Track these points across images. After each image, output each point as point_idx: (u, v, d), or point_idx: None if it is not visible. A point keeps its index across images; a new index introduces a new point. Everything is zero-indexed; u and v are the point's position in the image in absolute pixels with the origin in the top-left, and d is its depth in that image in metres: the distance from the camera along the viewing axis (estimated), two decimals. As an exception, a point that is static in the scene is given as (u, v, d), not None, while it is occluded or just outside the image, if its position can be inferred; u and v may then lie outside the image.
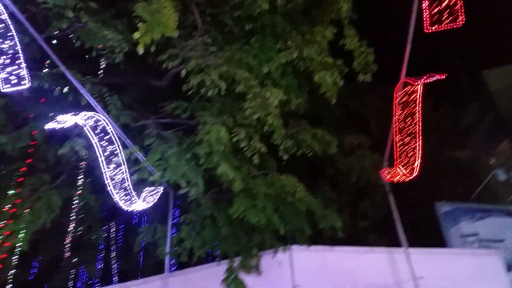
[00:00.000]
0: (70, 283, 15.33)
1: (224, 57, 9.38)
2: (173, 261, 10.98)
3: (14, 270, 11.47)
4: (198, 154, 9.31)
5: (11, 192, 10.44)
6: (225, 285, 9.72)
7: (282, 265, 10.07)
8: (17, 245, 10.62)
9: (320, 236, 10.98)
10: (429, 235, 14.01)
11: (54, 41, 9.39)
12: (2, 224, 10.64)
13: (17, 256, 11.11)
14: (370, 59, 9.71)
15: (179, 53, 8.84)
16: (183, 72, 8.82)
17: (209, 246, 10.48)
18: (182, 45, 9.18)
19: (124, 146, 9.18)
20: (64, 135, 9.41)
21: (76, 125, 8.28)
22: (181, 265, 10.91)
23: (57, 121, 7.86)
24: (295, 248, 10.25)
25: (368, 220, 15.34)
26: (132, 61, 9.50)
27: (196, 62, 8.69)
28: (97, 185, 10.97)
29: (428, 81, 8.35)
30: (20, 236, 10.42)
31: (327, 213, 10.43)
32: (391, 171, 9.80)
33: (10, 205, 10.44)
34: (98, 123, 8.46)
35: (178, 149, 9.73)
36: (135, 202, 9.71)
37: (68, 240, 11.48)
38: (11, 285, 11.21)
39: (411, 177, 9.14)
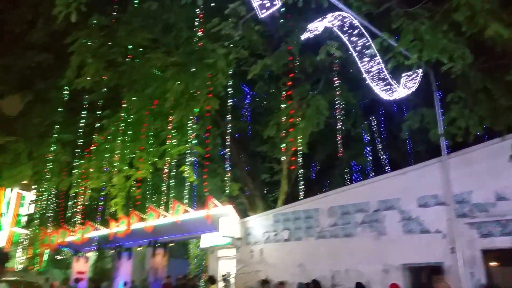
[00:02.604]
0: (347, 176, 17.15)
1: None
2: (446, 143, 10.50)
3: (301, 170, 13.57)
4: (458, 21, 8.12)
5: (284, 105, 12.05)
6: (514, 161, 8.66)
7: None
8: (299, 148, 12.42)
9: None
10: None
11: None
12: (283, 133, 12.60)
13: (300, 158, 13.03)
14: None
15: None
16: None
17: (487, 122, 9.44)
18: None
19: (373, 36, 8.94)
20: (315, 43, 9.92)
21: (325, 29, 8.57)
22: (456, 146, 10.34)
23: (309, 30, 8.32)
24: None
25: None
26: None
27: None
28: (353, 82, 11.34)
29: None
30: (299, 140, 12.10)
31: None
32: None
33: (285, 116, 12.13)
34: (345, 20, 8.48)
35: (431, 23, 8.76)
36: (395, 90, 9.56)
37: (338, 137, 12.56)
38: (302, 182, 13.30)
39: None
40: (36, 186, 22.31)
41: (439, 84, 11.05)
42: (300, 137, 11.78)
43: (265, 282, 4.63)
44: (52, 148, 16.23)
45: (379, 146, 16.75)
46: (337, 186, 13.49)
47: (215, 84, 10.68)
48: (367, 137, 16.45)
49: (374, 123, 16.76)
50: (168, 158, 13.56)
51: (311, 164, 17.63)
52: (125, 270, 19.56)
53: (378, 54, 8.87)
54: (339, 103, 11.63)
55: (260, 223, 13.06)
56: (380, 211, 10.61)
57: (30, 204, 30.86)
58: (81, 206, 17.33)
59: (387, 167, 16.54)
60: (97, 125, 14.30)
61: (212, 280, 12.27)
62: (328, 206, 11.51)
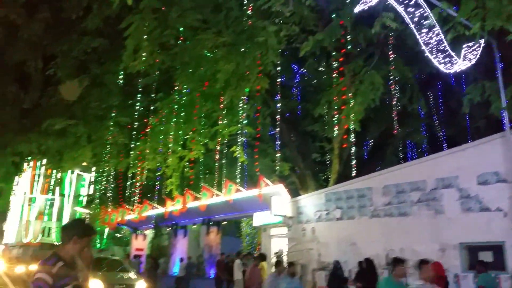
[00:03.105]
0: (401, 155, 16.58)
1: None
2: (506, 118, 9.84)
3: (353, 148, 13.29)
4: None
5: (335, 82, 11.78)
6: None
7: None
8: (351, 126, 12.14)
9: None
10: None
11: None
12: (335, 111, 12.38)
13: (352, 136, 12.73)
14: None
15: None
16: None
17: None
18: None
19: (431, 6, 8.51)
20: (368, 16, 9.57)
21: (380, 1, 8.25)
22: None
23: (363, 2, 8.06)
24: None
25: None
26: None
27: None
28: (409, 55, 10.85)
29: None
30: (352, 118, 11.82)
31: None
32: None
33: (337, 94, 11.86)
34: (401, -10, 8.13)
35: (496, -11, 8.16)
36: (455, 63, 9.10)
37: (393, 114, 12.10)
38: (354, 161, 13.03)
39: None
40: (95, 167, 23.62)
41: (501, 55, 10.37)
42: (352, 114, 11.51)
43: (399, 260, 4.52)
44: (110, 131, 17.03)
45: (436, 122, 15.96)
46: (390, 165, 13.12)
47: (265, 63, 10.63)
48: (423, 113, 15.71)
49: (431, 98, 15.92)
50: (220, 139, 13.81)
51: (364, 143, 17.21)
52: (181, 247, 20.45)
53: (437, 25, 8.44)
54: (394, 78, 11.17)
55: (311, 202, 13.08)
56: (437, 190, 10.26)
57: (90, 184, 32.82)
58: (139, 186, 18.19)
59: (444, 144, 15.79)
60: (152, 107, 14.78)
61: (262, 257, 12.51)
62: (382, 184, 11.27)
